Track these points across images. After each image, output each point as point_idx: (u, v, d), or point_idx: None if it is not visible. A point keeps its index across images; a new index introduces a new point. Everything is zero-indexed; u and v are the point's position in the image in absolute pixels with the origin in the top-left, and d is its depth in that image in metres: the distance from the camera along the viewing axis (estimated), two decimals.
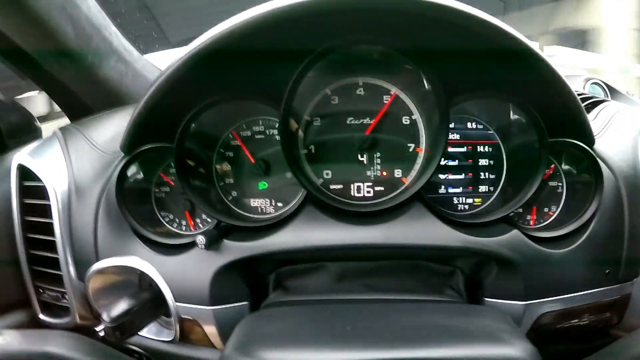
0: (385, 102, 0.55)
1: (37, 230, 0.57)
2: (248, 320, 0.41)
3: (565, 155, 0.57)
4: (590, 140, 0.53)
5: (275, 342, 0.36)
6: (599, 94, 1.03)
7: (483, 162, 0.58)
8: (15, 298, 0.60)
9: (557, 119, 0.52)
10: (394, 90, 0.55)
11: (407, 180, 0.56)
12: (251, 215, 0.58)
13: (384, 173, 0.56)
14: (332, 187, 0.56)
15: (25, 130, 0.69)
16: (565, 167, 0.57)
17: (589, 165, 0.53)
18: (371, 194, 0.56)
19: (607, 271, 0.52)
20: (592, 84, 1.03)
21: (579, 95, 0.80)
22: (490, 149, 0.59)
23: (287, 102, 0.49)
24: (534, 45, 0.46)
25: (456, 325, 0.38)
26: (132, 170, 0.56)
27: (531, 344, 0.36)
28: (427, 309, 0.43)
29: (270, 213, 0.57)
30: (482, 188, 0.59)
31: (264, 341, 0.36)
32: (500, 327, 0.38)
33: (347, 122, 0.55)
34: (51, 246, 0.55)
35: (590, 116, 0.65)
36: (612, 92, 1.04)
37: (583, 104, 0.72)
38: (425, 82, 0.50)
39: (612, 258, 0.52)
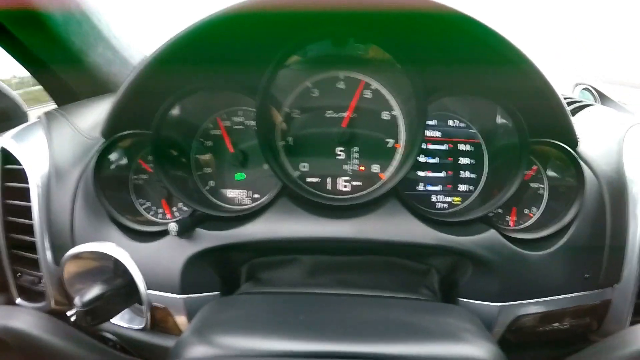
0: (364, 95, 0.55)
1: (16, 213, 0.57)
2: (208, 307, 0.41)
3: (549, 158, 0.56)
4: (573, 142, 0.53)
5: (228, 329, 0.35)
6: (589, 99, 1.02)
7: (464, 160, 0.58)
8: None
9: (541, 120, 0.52)
10: (374, 84, 0.55)
11: (385, 176, 0.55)
12: (227, 206, 0.57)
13: (362, 168, 0.56)
14: (308, 180, 0.55)
15: (12, 115, 0.70)
16: (548, 169, 0.56)
17: (572, 168, 0.52)
18: (348, 189, 0.56)
19: (586, 276, 0.51)
20: (582, 89, 1.02)
21: (566, 99, 0.80)
22: (472, 148, 0.58)
23: (263, 94, 0.49)
24: (519, 45, 0.46)
25: (415, 323, 0.37)
26: (111, 156, 0.56)
27: (495, 345, 0.35)
28: (390, 305, 0.42)
29: (246, 204, 0.57)
30: (462, 187, 0.58)
31: (219, 327, 0.36)
32: (464, 327, 0.37)
33: (327, 115, 0.55)
34: (29, 230, 0.56)
35: (575, 119, 0.64)
36: (602, 98, 1.03)
37: (569, 107, 0.71)
38: (404, 76, 0.50)
39: (592, 262, 0.51)
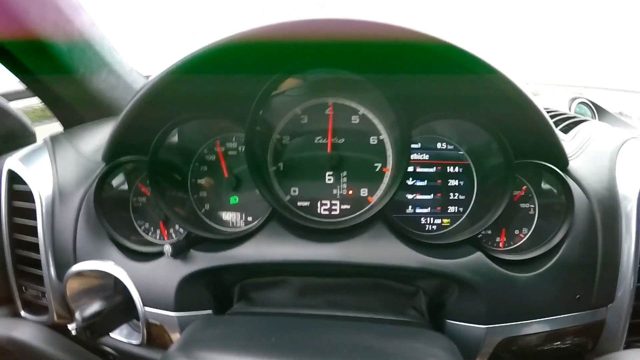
0: (352, 121, 0.57)
1: (22, 231, 0.60)
2: (194, 325, 0.43)
3: (539, 178, 0.56)
4: (562, 161, 0.52)
5: (210, 347, 0.38)
6: (586, 114, 1.01)
7: (453, 182, 0.59)
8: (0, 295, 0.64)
9: (528, 141, 0.52)
10: (361, 110, 0.57)
11: (373, 200, 0.56)
12: (222, 228, 0.59)
13: (350, 192, 0.57)
14: (299, 204, 0.57)
15: (19, 135, 0.73)
16: (539, 189, 0.56)
17: (561, 187, 0.52)
18: (337, 212, 0.57)
19: (577, 297, 0.51)
20: (579, 103, 1.00)
21: (560, 114, 0.80)
22: (461, 170, 0.59)
23: (252, 122, 0.51)
24: (500, 66, 0.46)
25: (385, 348, 0.38)
26: (112, 179, 0.59)
27: None
28: (365, 329, 0.43)
29: (240, 227, 0.59)
30: (451, 209, 0.59)
31: (202, 345, 0.38)
32: (433, 353, 0.38)
33: (316, 141, 0.57)
34: (35, 247, 0.59)
35: (568, 136, 0.64)
36: (600, 112, 1.01)
37: (563, 124, 0.71)
38: (386, 101, 0.51)
39: (583, 283, 0.51)
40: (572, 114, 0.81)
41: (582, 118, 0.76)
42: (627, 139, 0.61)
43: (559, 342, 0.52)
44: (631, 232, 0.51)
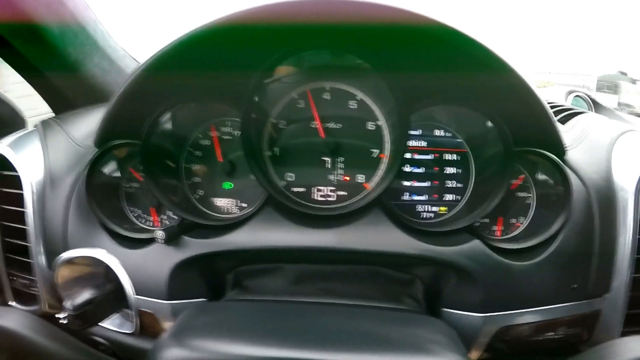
0: (350, 107, 0.56)
1: (11, 218, 0.59)
2: (187, 312, 0.43)
3: (537, 167, 0.56)
4: (560, 150, 0.52)
5: (202, 334, 0.37)
6: (582, 107, 1.01)
7: (450, 170, 0.58)
8: None
9: (527, 129, 0.52)
10: (360, 95, 0.56)
11: (370, 186, 0.56)
12: (215, 214, 0.58)
13: (347, 178, 0.56)
14: (294, 189, 0.56)
15: (10, 122, 0.72)
16: (537, 178, 0.56)
17: (559, 176, 0.52)
18: (333, 198, 0.56)
19: (573, 286, 0.51)
20: (576, 96, 1.02)
21: (557, 106, 0.80)
22: (458, 158, 0.58)
23: (248, 105, 0.50)
24: (501, 54, 0.46)
25: (385, 333, 0.38)
26: (103, 165, 0.57)
27: (465, 358, 0.35)
28: (363, 315, 0.43)
29: (234, 213, 0.58)
30: (448, 197, 0.58)
31: (194, 332, 0.37)
32: (434, 339, 0.37)
33: (312, 125, 0.56)
34: (24, 235, 0.57)
35: (566, 127, 0.64)
36: (597, 106, 1.02)
37: (561, 115, 0.71)
38: (385, 86, 0.50)
39: (579, 273, 0.51)
40: (569, 105, 0.81)
41: (579, 110, 0.76)
42: (624, 131, 0.61)
43: (554, 332, 0.52)
44: (627, 223, 0.51)
